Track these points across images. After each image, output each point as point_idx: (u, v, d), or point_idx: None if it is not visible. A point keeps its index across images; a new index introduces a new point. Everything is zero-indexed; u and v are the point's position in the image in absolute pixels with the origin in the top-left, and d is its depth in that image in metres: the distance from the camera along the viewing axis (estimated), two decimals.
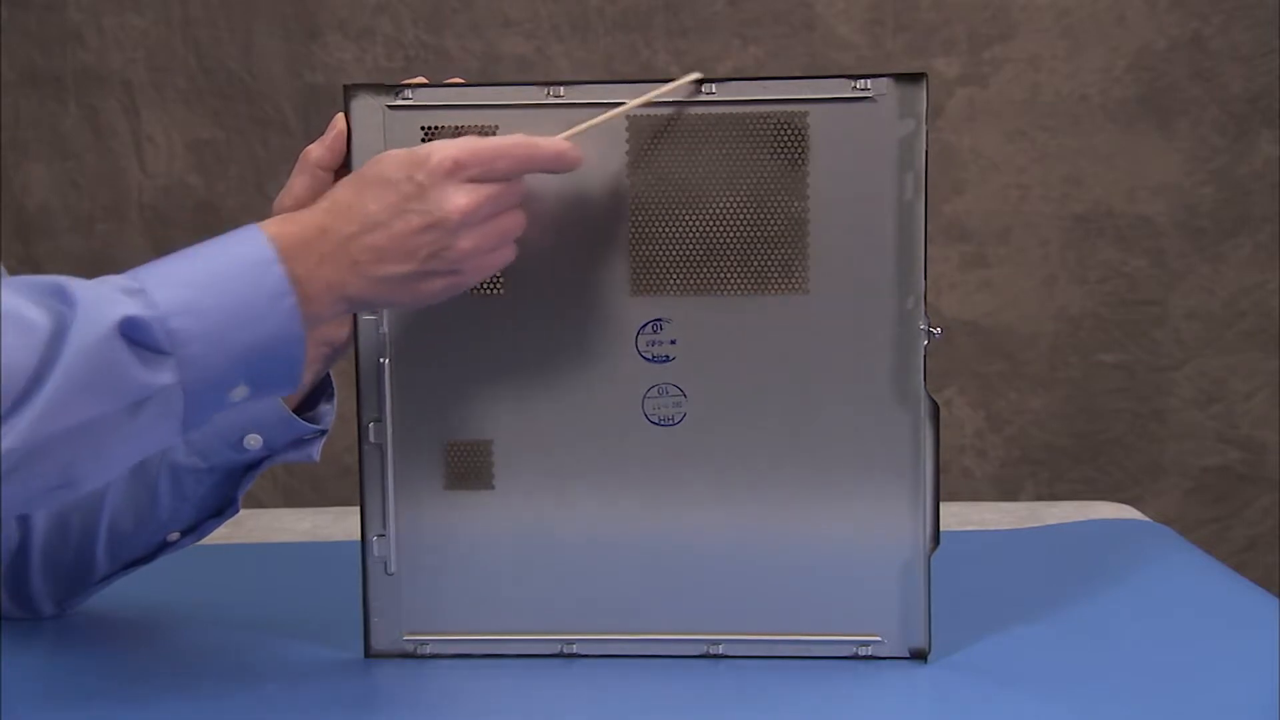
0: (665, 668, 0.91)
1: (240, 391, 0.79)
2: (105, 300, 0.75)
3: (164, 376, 0.76)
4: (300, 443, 0.96)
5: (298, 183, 0.90)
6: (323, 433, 0.97)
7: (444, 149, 0.82)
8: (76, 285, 0.76)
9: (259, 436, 0.95)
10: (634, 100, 0.87)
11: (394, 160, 0.82)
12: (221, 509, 0.99)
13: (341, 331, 0.93)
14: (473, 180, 0.82)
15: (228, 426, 0.94)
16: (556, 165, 0.85)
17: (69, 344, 0.73)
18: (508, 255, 0.85)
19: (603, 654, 0.92)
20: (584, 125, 0.87)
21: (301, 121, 2.02)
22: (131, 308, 0.75)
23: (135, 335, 0.75)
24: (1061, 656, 0.92)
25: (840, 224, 0.89)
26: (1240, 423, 2.04)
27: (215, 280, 0.78)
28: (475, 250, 0.83)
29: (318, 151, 0.90)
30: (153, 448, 0.79)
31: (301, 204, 0.89)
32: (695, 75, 0.88)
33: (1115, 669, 0.89)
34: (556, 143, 0.85)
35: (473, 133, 0.89)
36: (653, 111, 0.88)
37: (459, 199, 0.81)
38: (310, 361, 0.94)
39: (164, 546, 1.00)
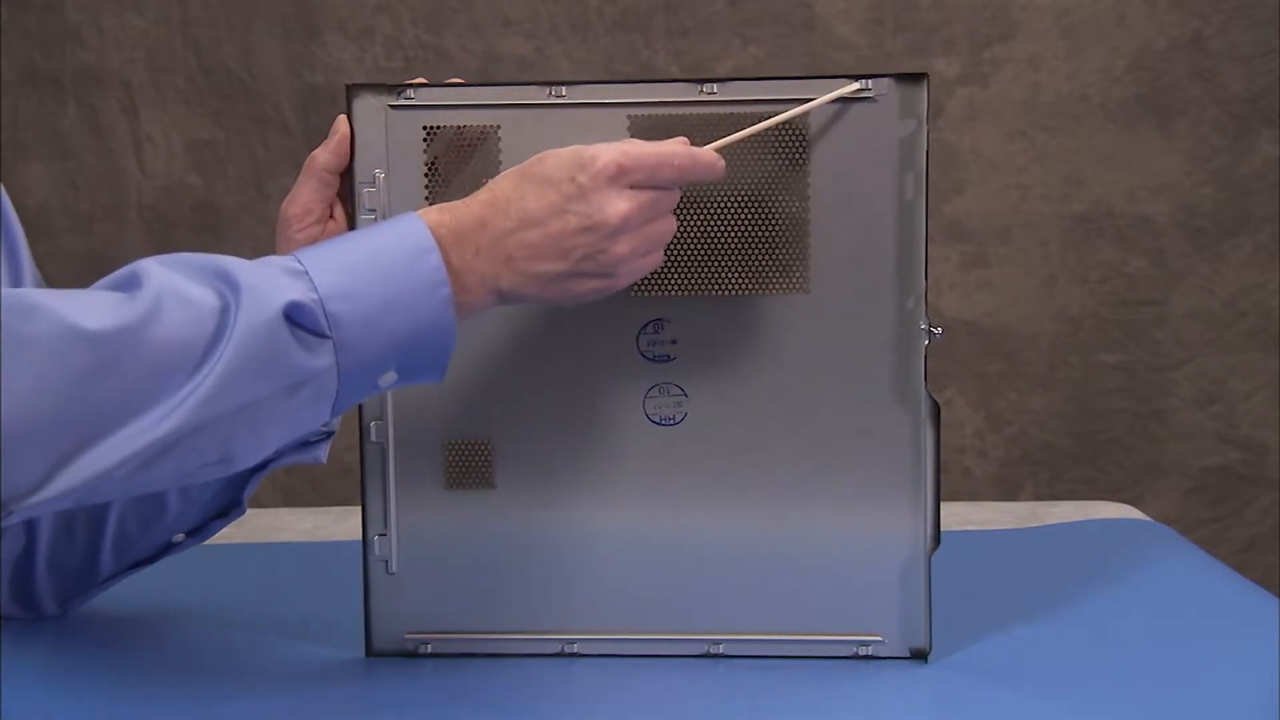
0: (665, 667, 0.91)
1: (389, 377, 0.80)
2: (270, 283, 0.76)
3: (322, 360, 0.77)
4: (307, 444, 0.96)
5: (305, 188, 0.90)
6: (329, 434, 0.97)
7: (609, 153, 0.82)
8: (240, 267, 0.76)
9: None
10: (798, 109, 0.87)
11: (558, 160, 0.83)
12: (227, 510, 1.00)
13: None
14: (634, 186, 0.83)
15: None
16: (710, 176, 0.86)
17: (236, 327, 0.74)
18: (657, 260, 0.86)
19: (603, 654, 0.92)
20: (736, 136, 0.87)
21: (301, 121, 2.02)
22: (295, 292, 0.76)
23: (298, 319, 0.76)
24: (1061, 656, 0.92)
25: (840, 224, 0.89)
26: (1240, 423, 2.04)
27: (375, 266, 0.79)
28: (629, 255, 0.83)
29: (323, 156, 0.90)
30: (305, 428, 0.80)
31: (310, 210, 0.90)
32: (853, 86, 0.88)
33: (1115, 669, 0.89)
34: (710, 154, 0.85)
35: (473, 132, 0.89)
36: (652, 111, 0.89)
37: (620, 204, 0.82)
38: None
39: (169, 547, 1.00)
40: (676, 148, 0.84)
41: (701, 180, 0.86)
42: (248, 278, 0.75)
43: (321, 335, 0.76)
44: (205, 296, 0.75)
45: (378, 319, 0.78)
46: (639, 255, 0.84)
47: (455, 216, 0.82)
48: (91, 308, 0.72)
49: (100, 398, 0.71)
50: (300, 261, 0.78)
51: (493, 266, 0.81)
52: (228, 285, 0.75)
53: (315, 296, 0.76)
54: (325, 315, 0.76)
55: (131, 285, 0.74)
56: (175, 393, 0.73)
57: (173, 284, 0.74)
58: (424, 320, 0.79)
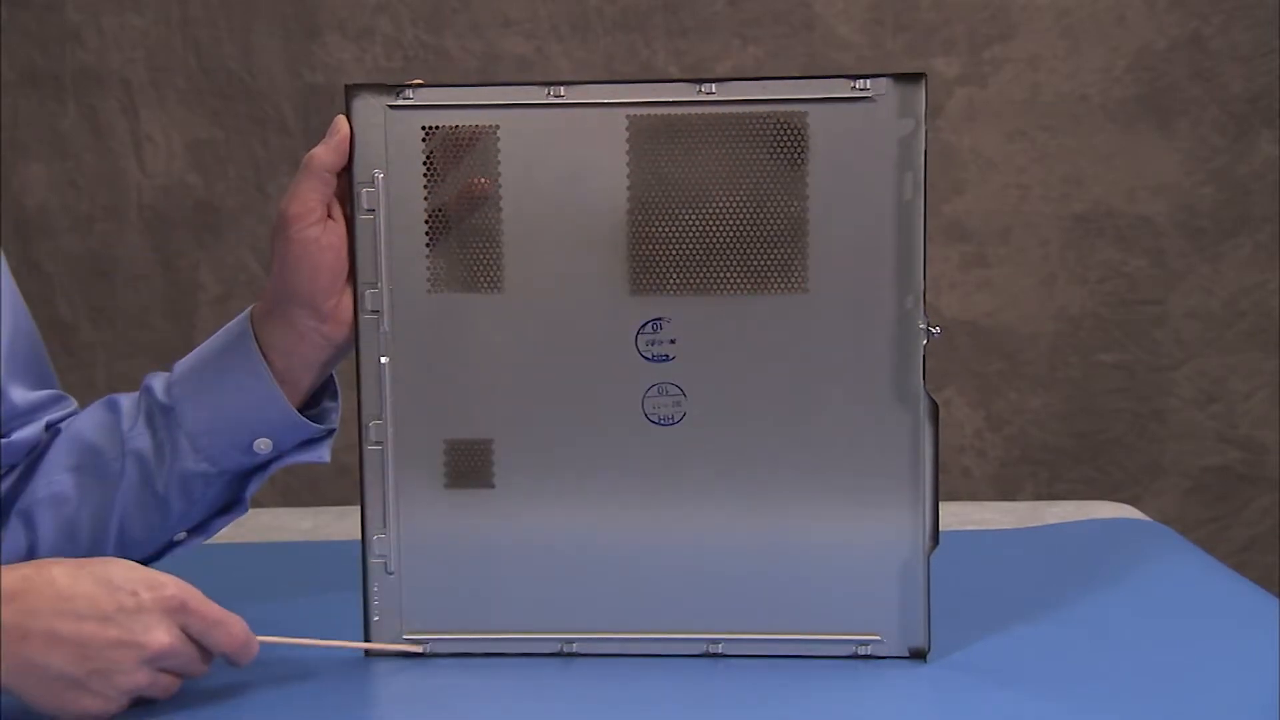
0: (665, 667, 0.91)
1: None
2: None
3: None
4: (308, 444, 0.96)
5: (305, 187, 0.90)
6: (331, 432, 0.97)
7: (183, 587, 0.82)
8: None
9: (269, 440, 0.95)
10: None
11: (128, 568, 0.82)
12: (229, 508, 1.00)
13: (345, 331, 0.93)
14: (184, 629, 0.82)
15: (237, 432, 0.94)
16: (242, 660, 0.85)
17: None
18: (121, 706, 0.82)
19: (603, 653, 0.92)
20: (297, 640, 0.89)
21: (301, 121, 2.02)
22: None
23: None
24: (1061, 656, 0.92)
25: (840, 224, 0.89)
26: (1240, 423, 2.04)
27: None
28: (138, 687, 0.81)
29: (323, 155, 0.90)
30: None
31: (310, 209, 0.89)
32: None
33: (1115, 669, 0.89)
34: (257, 645, 0.85)
35: (467, 132, 0.89)
36: (652, 111, 0.89)
37: (165, 636, 0.81)
38: (312, 364, 0.94)
39: (171, 546, 1.00)
40: (239, 623, 0.84)
41: (230, 661, 0.84)
42: None
43: None
44: None
45: None
46: (137, 692, 0.81)
47: None
48: None
49: None
50: None
51: (4, 643, 0.78)
52: None
53: None
54: None
55: None
56: None
57: None
58: None
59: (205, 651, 0.84)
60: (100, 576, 0.81)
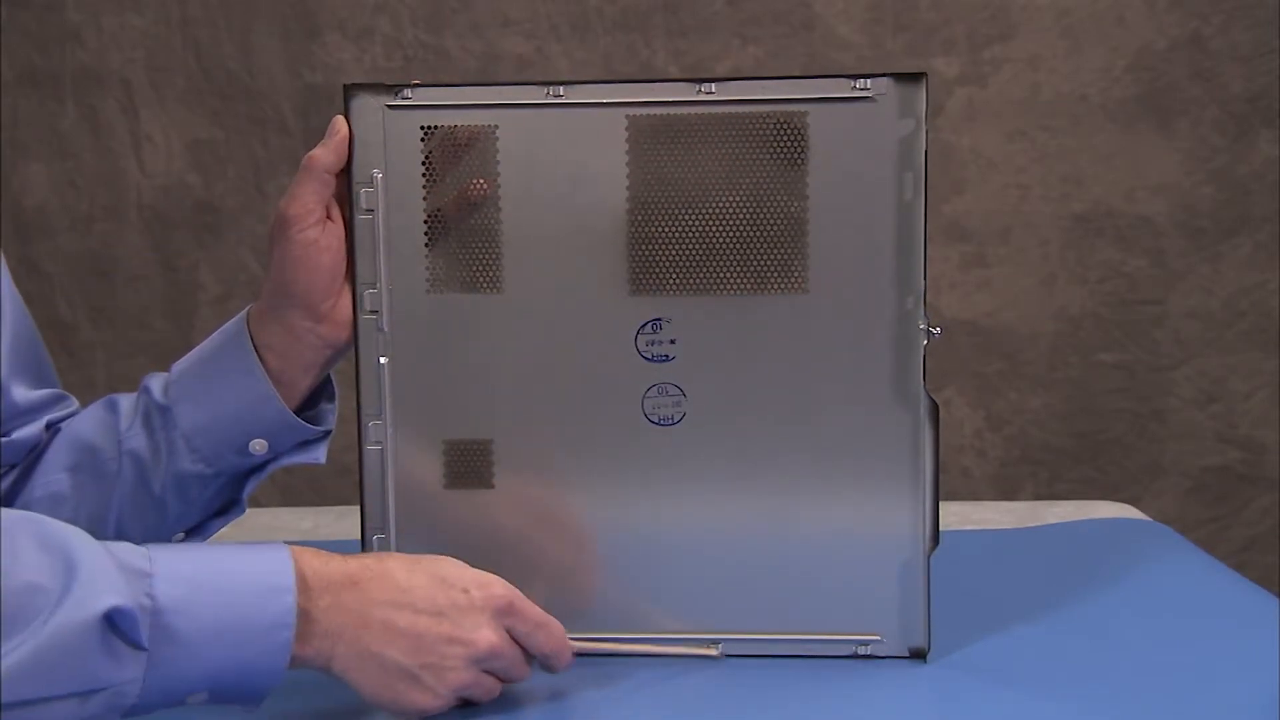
0: (666, 667, 0.91)
1: (198, 698, 0.75)
2: (104, 579, 0.71)
3: (128, 672, 0.72)
4: (305, 445, 0.96)
5: (304, 188, 0.90)
6: (327, 433, 0.97)
7: (508, 588, 0.83)
8: (84, 552, 0.71)
9: (264, 441, 0.95)
10: None
11: (459, 568, 0.83)
12: (226, 509, 1.00)
13: (342, 333, 0.93)
14: (509, 630, 0.83)
15: (232, 433, 0.94)
16: (559, 665, 0.85)
17: (52, 620, 0.69)
18: (448, 704, 0.82)
19: (603, 653, 0.92)
20: (603, 648, 0.90)
21: (300, 121, 2.02)
22: (124, 596, 0.71)
23: (118, 624, 0.71)
24: (1061, 656, 0.92)
25: (840, 224, 0.89)
26: (1240, 423, 2.04)
27: (223, 590, 0.75)
28: (463, 685, 0.82)
29: (322, 155, 0.90)
30: None
31: (309, 210, 0.90)
32: None
33: (1115, 669, 0.89)
34: (571, 652, 0.86)
35: (466, 132, 0.89)
36: (651, 111, 0.89)
37: (493, 635, 0.82)
38: (309, 365, 0.94)
39: None
40: (559, 626, 0.85)
41: (548, 664, 0.85)
42: (86, 567, 0.71)
43: (137, 647, 0.72)
44: (36, 571, 0.70)
45: (205, 642, 0.73)
46: (463, 691, 0.82)
47: (327, 565, 0.79)
48: None
49: None
50: (151, 561, 0.73)
51: (343, 627, 0.78)
52: (65, 566, 0.71)
53: (149, 604, 0.72)
54: (151, 627, 0.72)
55: None
56: None
57: (12, 542, 0.70)
58: (253, 657, 0.75)
59: (527, 655, 0.84)
60: (434, 573, 0.82)
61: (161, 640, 0.72)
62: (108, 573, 0.72)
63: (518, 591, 0.84)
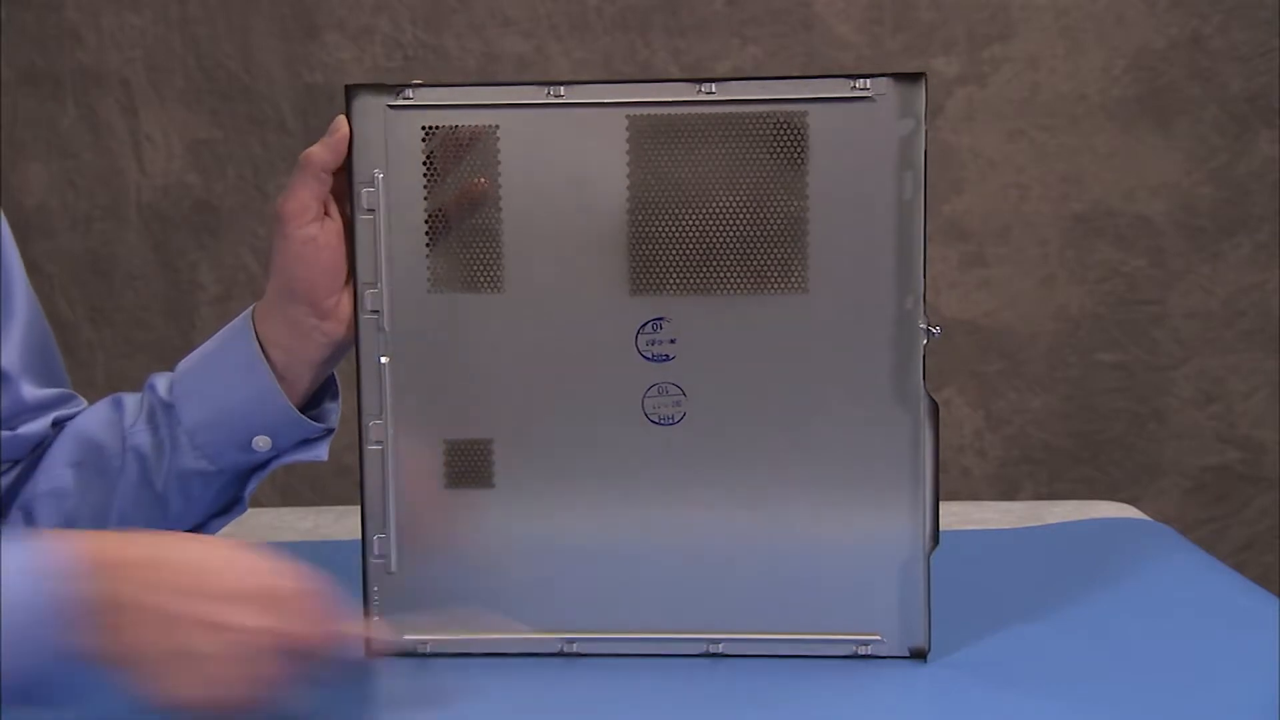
0: (665, 667, 0.91)
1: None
2: None
3: None
4: (307, 442, 0.97)
5: (300, 185, 0.90)
6: (330, 431, 0.97)
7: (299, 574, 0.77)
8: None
9: (267, 438, 0.95)
10: None
11: (258, 557, 0.77)
12: (228, 508, 1.00)
13: (345, 329, 0.93)
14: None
15: (236, 429, 0.94)
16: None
17: None
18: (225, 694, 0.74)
19: (603, 653, 0.92)
20: None
21: (300, 121, 2.02)
22: None
23: None
24: (1061, 656, 0.92)
25: (840, 224, 0.89)
26: (1239, 422, 2.04)
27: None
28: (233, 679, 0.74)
29: (319, 153, 0.90)
30: None
31: (306, 207, 0.90)
32: None
33: (1115, 668, 0.89)
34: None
35: (467, 132, 0.89)
36: (652, 111, 0.89)
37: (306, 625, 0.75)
38: (313, 362, 0.94)
39: None
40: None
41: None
42: None
43: None
44: None
45: None
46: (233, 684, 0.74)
47: (119, 546, 0.74)
48: None
49: None
50: None
51: (135, 596, 0.72)
52: None
53: None
54: None
55: None
56: None
57: None
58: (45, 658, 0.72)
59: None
60: (240, 550, 0.77)
61: None
62: None
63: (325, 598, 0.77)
